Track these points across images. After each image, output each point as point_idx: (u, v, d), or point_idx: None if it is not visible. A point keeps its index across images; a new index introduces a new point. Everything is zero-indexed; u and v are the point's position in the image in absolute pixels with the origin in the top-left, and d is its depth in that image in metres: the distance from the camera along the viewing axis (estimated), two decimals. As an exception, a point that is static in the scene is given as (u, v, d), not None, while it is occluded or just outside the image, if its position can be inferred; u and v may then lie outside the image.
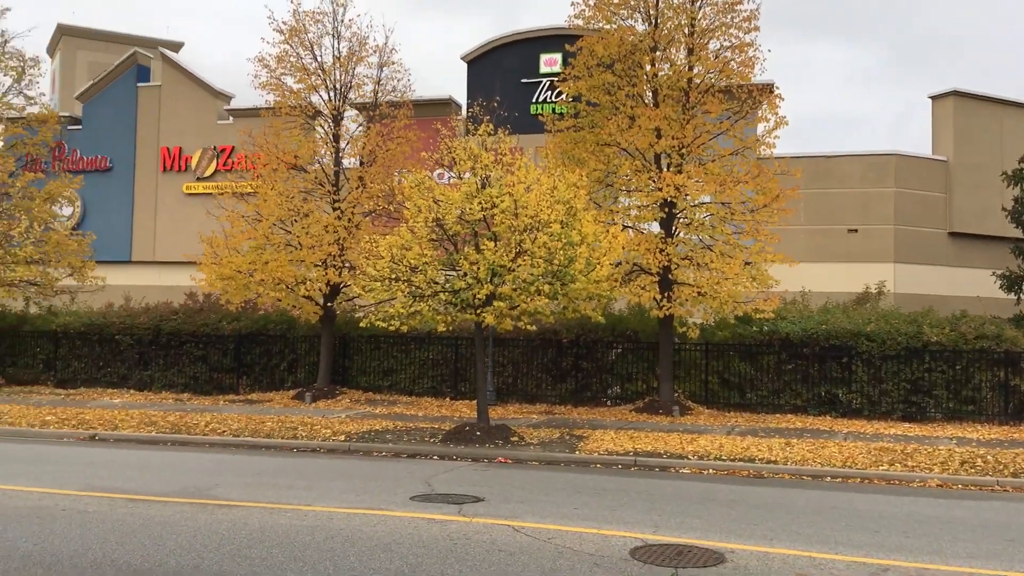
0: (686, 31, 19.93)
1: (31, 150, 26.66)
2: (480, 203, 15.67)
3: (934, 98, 31.52)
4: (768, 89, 20.35)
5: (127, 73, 37.24)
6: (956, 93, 30.95)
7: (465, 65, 32.86)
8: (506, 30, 35.09)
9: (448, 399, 22.78)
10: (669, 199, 19.52)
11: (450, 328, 17.55)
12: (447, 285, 16.30)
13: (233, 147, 33.64)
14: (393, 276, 16.16)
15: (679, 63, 20.08)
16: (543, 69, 31.36)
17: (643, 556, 8.30)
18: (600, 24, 20.31)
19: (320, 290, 22.31)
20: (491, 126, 17.03)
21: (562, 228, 15.57)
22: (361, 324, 18.45)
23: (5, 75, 25.80)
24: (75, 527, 9.25)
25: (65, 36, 47.80)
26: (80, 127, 37.14)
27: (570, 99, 21.36)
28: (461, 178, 16.67)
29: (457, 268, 16.14)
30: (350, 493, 11.40)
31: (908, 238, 29.57)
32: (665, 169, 19.86)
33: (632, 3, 20.11)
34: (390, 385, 23.75)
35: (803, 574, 7.83)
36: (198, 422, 18.74)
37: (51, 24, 53.04)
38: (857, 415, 19.91)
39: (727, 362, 21.46)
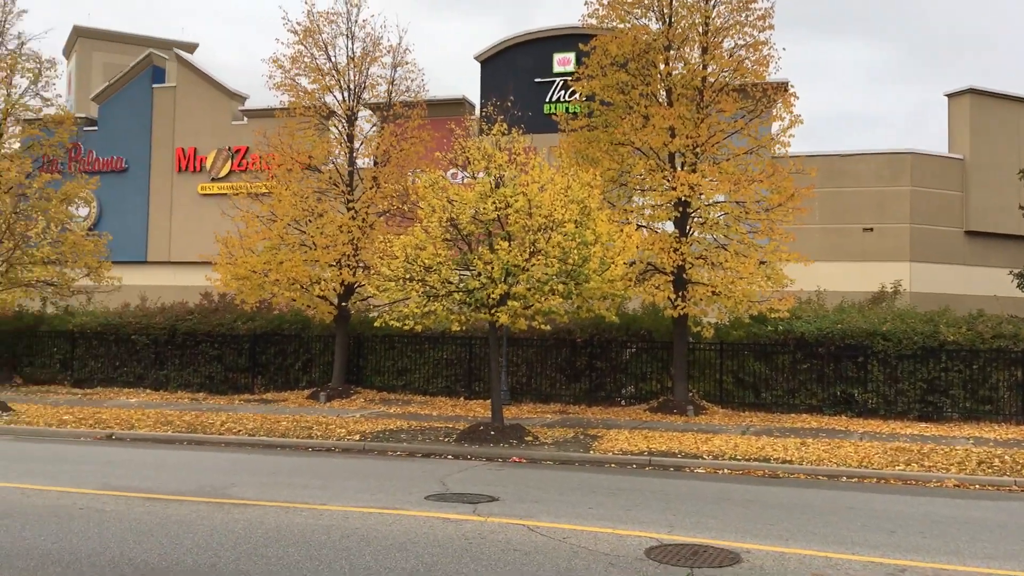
0: (700, 30, 19.88)
1: (48, 151, 26.78)
2: (494, 203, 15.68)
3: (950, 96, 31.33)
4: (783, 88, 20.27)
5: (142, 74, 37.45)
6: (972, 91, 30.75)
7: (479, 65, 32.88)
8: (519, 30, 35.07)
9: (462, 399, 22.80)
10: (683, 198, 19.48)
11: (464, 328, 17.58)
12: (461, 285, 16.32)
13: (248, 147, 33.78)
14: (407, 276, 16.19)
15: (693, 62, 20.03)
16: (556, 69, 31.34)
17: (658, 556, 8.29)
18: (614, 23, 20.28)
19: (334, 290, 22.37)
20: (505, 126, 17.03)
21: (576, 228, 15.57)
22: (375, 324, 18.49)
23: (22, 77, 25.88)
24: (93, 526, 9.32)
25: (81, 38, 48.13)
26: (96, 128, 37.35)
27: (584, 98, 21.34)
28: (475, 178, 16.69)
29: (471, 268, 16.16)
30: (365, 492, 11.43)
31: (924, 237, 29.41)
32: (679, 168, 19.82)
33: (646, 2, 20.07)
34: (404, 385, 23.79)
35: (819, 574, 7.80)
36: (214, 421, 18.83)
37: (67, 26, 53.36)
38: (873, 415, 19.81)
39: (742, 362, 21.39)
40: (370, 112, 24.12)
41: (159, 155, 36.67)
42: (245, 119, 35.24)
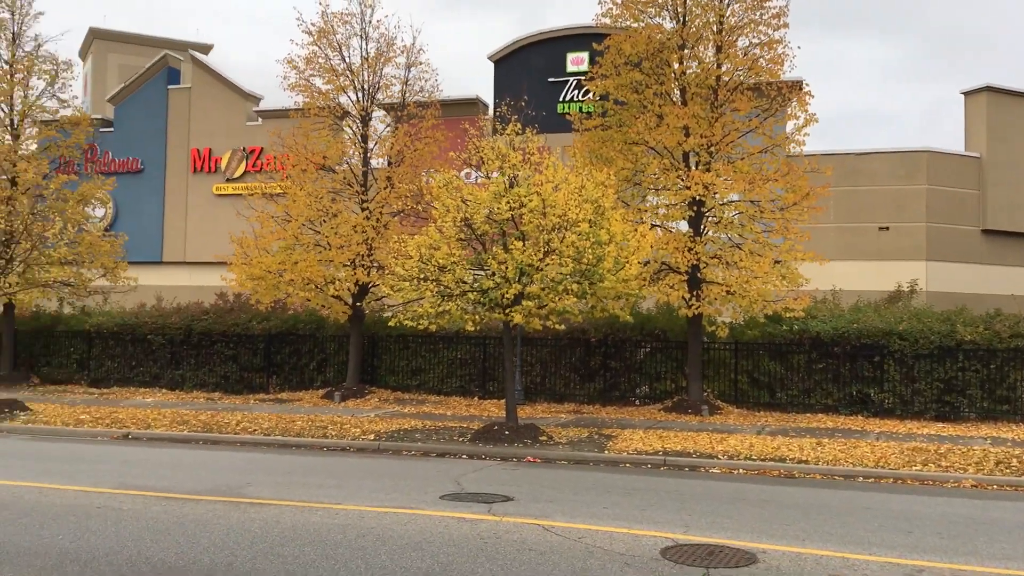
0: (714, 28, 19.82)
1: (64, 152, 27.03)
2: (508, 202, 15.68)
3: (967, 94, 31.12)
4: (797, 86, 20.19)
5: (158, 75, 37.65)
6: (989, 89, 30.51)
7: (492, 65, 32.89)
8: (532, 30, 35.09)
9: (476, 398, 22.81)
10: (697, 197, 19.43)
11: (478, 327, 17.57)
12: (475, 284, 16.33)
13: (262, 148, 33.91)
14: (422, 276, 16.21)
15: (707, 61, 19.97)
16: (570, 68, 31.31)
17: (674, 556, 8.27)
18: (628, 22, 20.25)
19: (349, 290, 22.42)
20: (519, 125, 17.02)
21: (590, 227, 15.55)
22: (390, 323, 18.52)
23: (39, 78, 26.14)
24: (110, 525, 9.37)
25: (97, 39, 48.44)
26: (112, 129, 37.58)
27: (597, 98, 21.31)
28: (489, 177, 16.69)
29: (485, 267, 16.16)
30: (380, 492, 11.46)
31: (940, 235, 29.22)
32: (693, 167, 19.77)
33: (660, 1, 20.03)
34: (418, 384, 23.82)
35: (837, 575, 7.77)
36: (229, 421, 18.91)
37: (83, 28, 53.69)
38: (889, 415, 19.70)
39: (757, 361, 21.32)
40: (384, 112, 24.16)
41: (174, 156, 36.86)
42: (260, 120, 35.38)
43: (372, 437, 16.82)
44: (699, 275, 19.75)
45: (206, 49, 46.81)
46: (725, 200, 20.11)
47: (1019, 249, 29.81)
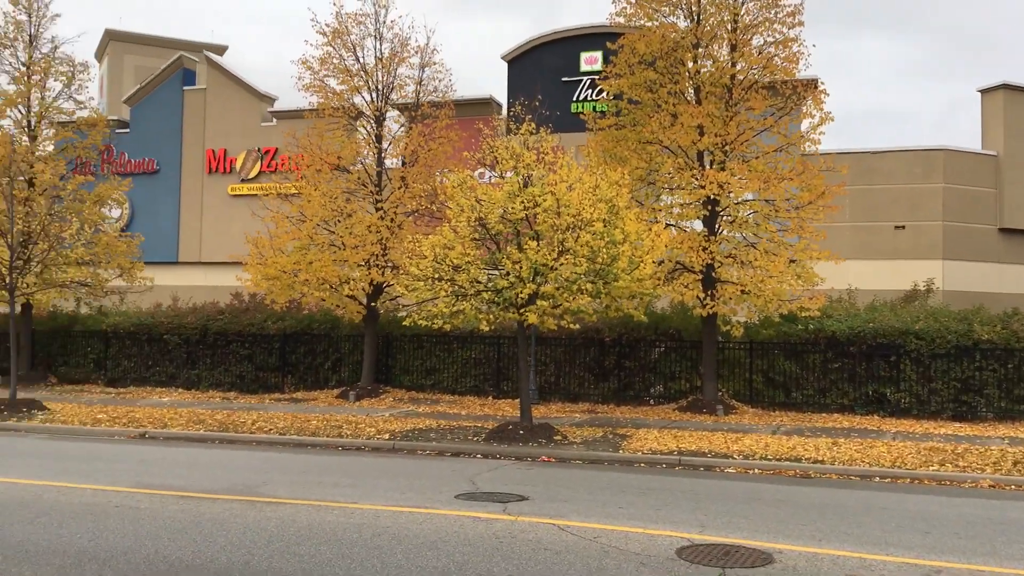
0: (729, 27, 19.76)
1: (81, 153, 27.21)
2: (522, 202, 15.69)
3: (983, 92, 30.89)
4: (812, 85, 20.12)
5: (173, 77, 37.82)
6: (1006, 87, 30.27)
7: (505, 64, 32.88)
8: (546, 29, 35.08)
9: (491, 398, 22.83)
10: (712, 197, 19.37)
11: (492, 327, 17.58)
12: (490, 284, 16.34)
13: (277, 149, 34.02)
14: (436, 275, 16.23)
15: (722, 59, 19.92)
16: (584, 67, 31.27)
17: (690, 556, 8.26)
18: (642, 21, 20.22)
19: (363, 290, 22.48)
20: (533, 125, 17.03)
21: (605, 227, 15.54)
22: (404, 323, 18.55)
23: (56, 80, 26.32)
24: (128, 523, 9.43)
25: (113, 41, 48.69)
26: (128, 130, 37.78)
27: (611, 97, 21.29)
28: (503, 177, 16.71)
29: (500, 267, 16.17)
30: (395, 491, 11.48)
31: (957, 234, 29.03)
32: (708, 166, 19.72)
33: (674, 0, 19.99)
34: (433, 384, 23.86)
35: (854, 575, 7.74)
36: (245, 420, 18.99)
37: (99, 30, 54.08)
38: (906, 414, 19.60)
39: (772, 361, 21.25)
40: (398, 112, 24.21)
41: (190, 156, 37.02)
42: (274, 120, 35.49)
43: (387, 436, 16.86)
44: (714, 274, 19.70)
45: (221, 50, 46.98)
46: (740, 199, 20.05)
47: (1037, 248, 29.61)
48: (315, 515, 9.90)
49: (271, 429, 17.96)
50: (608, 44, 21.27)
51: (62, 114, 26.77)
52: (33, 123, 26.41)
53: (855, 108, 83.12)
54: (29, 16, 25.88)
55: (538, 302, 15.73)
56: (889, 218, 29.03)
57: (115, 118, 36.72)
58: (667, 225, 19.79)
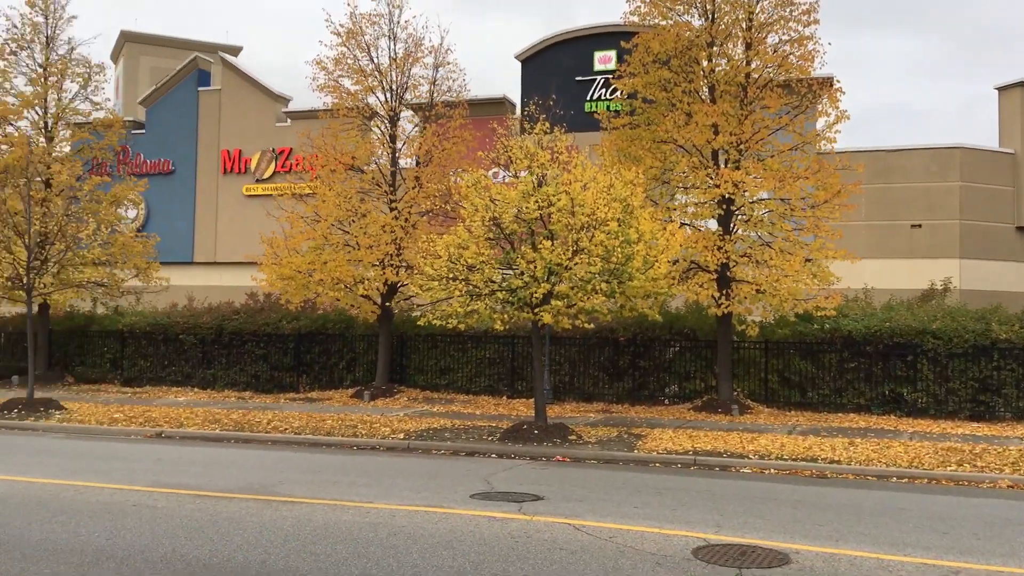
0: (743, 25, 19.70)
1: (97, 154, 27.37)
2: (537, 201, 15.67)
3: (1001, 89, 30.68)
4: (828, 83, 20.03)
5: (188, 78, 38.01)
6: (1024, 84, 30.09)
7: (519, 64, 32.88)
8: (559, 28, 35.04)
9: (505, 397, 22.83)
10: (727, 196, 19.31)
11: (507, 327, 17.58)
12: (504, 284, 16.33)
13: (291, 149, 34.16)
14: (450, 275, 16.24)
15: (736, 58, 19.85)
16: (597, 67, 31.24)
17: (706, 556, 8.23)
18: (656, 20, 20.18)
19: (378, 289, 22.52)
20: (547, 124, 17.01)
21: (619, 226, 15.51)
22: (418, 323, 18.57)
23: (72, 81, 26.48)
24: (145, 522, 9.47)
25: (128, 42, 48.97)
26: (143, 131, 37.99)
27: (625, 96, 21.25)
28: (517, 177, 16.70)
29: (514, 267, 16.16)
30: (411, 491, 11.49)
31: (974, 233, 28.83)
32: (723, 165, 19.66)
33: (688, -2, 19.94)
34: (447, 384, 23.88)
35: (871, 576, 7.69)
36: (260, 420, 19.06)
37: (115, 31, 54.38)
38: (923, 414, 19.48)
39: (787, 360, 21.16)
40: (412, 112, 24.24)
41: (205, 157, 37.19)
42: (289, 121, 35.62)
43: (402, 436, 16.88)
44: (728, 274, 19.64)
45: (235, 51, 47.19)
46: (755, 198, 19.97)
47: (1055, 246, 29.37)
48: (331, 514, 9.92)
49: (286, 429, 18.01)
50: (622, 43, 21.25)
51: (78, 115, 26.95)
52: (50, 124, 26.60)
53: (871, 106, 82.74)
54: (46, 18, 26.07)
55: (552, 302, 15.71)
56: (906, 217, 28.87)
57: (131, 119, 36.93)
58: (681, 224, 19.74)
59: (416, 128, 23.89)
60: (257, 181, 35.99)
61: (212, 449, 16.10)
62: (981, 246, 28.84)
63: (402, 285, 22.72)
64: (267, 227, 23.50)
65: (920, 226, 28.76)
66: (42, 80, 26.09)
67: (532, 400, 18.71)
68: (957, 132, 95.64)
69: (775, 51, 19.65)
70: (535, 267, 15.50)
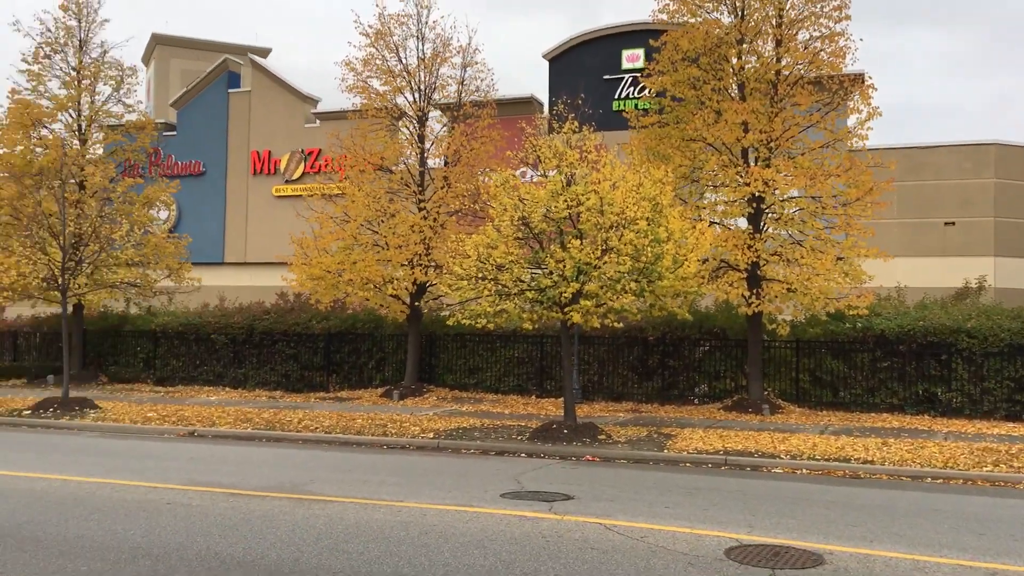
0: (774, 22, 19.54)
1: (130, 156, 27.70)
2: (566, 201, 15.65)
3: (1036, 84, 30.22)
4: (859, 79, 19.82)
5: (218, 80, 38.37)
6: (1060, 78, 29.62)
7: (547, 63, 32.86)
8: (586, 27, 34.97)
9: (534, 397, 22.83)
10: (757, 194, 19.17)
11: (536, 326, 17.58)
12: (533, 283, 16.31)
13: (320, 150, 34.39)
14: (479, 275, 16.26)
15: (766, 55, 19.71)
16: (625, 65, 31.16)
17: (738, 556, 8.18)
18: (685, 18, 20.09)
19: (407, 289, 22.60)
20: (575, 123, 16.98)
21: (648, 225, 15.44)
22: (448, 322, 18.60)
23: (105, 84, 26.81)
24: (180, 520, 9.57)
25: (159, 45, 49.51)
26: (175, 133, 38.40)
27: (654, 95, 21.16)
28: (546, 176, 16.68)
29: (543, 266, 16.15)
30: (441, 489, 11.52)
31: (1009, 230, 28.42)
32: (753, 163, 19.53)
33: (718, -4, 19.83)
34: (476, 383, 23.92)
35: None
36: (291, 419, 19.19)
37: (146, 34, 54.95)
38: (957, 414, 19.24)
39: (819, 360, 20.98)
40: (440, 112, 24.30)
41: (235, 158, 37.54)
42: (318, 122, 35.85)
43: (431, 435, 16.92)
44: (759, 272, 19.50)
45: (265, 53, 47.56)
46: (785, 196, 19.82)
47: (1092, 243, 28.87)
48: (362, 513, 9.97)
49: (317, 428, 18.12)
50: (650, 41, 21.17)
51: (111, 118, 27.27)
52: (83, 127, 26.93)
53: (904, 103, 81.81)
54: (79, 21, 26.40)
55: (582, 301, 15.68)
56: (939, 214, 28.53)
57: (162, 121, 37.35)
58: (711, 223, 19.64)
59: (444, 128, 23.96)
60: (287, 182, 36.26)
61: (244, 448, 16.23)
62: (1016, 243, 28.42)
63: (431, 285, 22.79)
64: (297, 227, 23.68)
65: (954, 223, 28.41)
66: (75, 83, 26.44)
67: (561, 400, 18.70)
68: (991, 128, 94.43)
69: (806, 48, 19.49)
70: (564, 266, 15.48)
